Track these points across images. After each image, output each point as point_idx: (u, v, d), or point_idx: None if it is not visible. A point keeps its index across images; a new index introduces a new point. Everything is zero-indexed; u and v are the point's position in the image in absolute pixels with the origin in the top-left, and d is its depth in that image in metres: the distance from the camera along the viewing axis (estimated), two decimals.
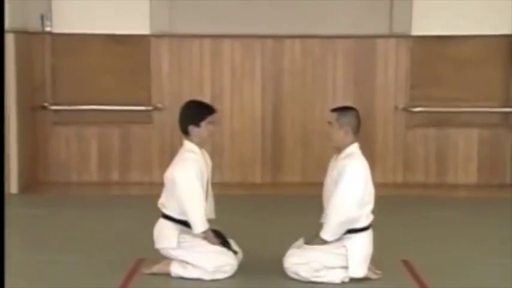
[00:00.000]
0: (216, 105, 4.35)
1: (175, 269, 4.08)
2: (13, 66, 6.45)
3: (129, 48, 7.11)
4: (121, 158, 7.17)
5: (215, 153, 7.15)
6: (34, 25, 6.96)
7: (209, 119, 4.14)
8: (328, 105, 7.15)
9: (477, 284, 4.03)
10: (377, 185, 7.02)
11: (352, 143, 4.13)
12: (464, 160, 7.16)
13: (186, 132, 4.14)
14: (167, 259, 4.14)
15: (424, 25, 7.03)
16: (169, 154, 7.16)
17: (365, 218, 4.05)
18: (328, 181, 4.17)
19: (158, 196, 6.64)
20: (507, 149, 7.13)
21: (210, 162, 4.32)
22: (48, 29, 7.03)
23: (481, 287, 3.99)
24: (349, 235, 4.01)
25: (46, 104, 7.07)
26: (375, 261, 4.44)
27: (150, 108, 7.12)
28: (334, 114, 4.14)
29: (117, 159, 7.17)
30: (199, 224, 4.02)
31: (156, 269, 4.15)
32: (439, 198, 6.60)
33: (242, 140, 7.16)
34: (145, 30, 7.08)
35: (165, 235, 4.10)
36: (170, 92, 7.13)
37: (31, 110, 6.95)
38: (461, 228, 5.41)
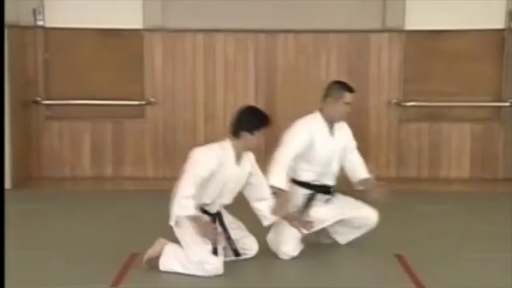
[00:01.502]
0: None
1: (163, 260, 4.06)
2: (6, 60, 6.41)
3: (122, 43, 7.09)
4: (114, 153, 7.15)
5: None
6: (26, 19, 6.92)
7: (263, 129, 4.13)
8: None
9: (469, 277, 4.05)
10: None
11: None
12: (457, 154, 7.18)
13: (235, 135, 4.10)
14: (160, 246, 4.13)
15: (417, 20, 7.04)
16: (162, 149, 7.18)
17: None
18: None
19: (152, 191, 6.68)
20: (499, 143, 7.16)
21: (249, 169, 4.27)
22: (40, 23, 7.00)
23: (474, 280, 4.01)
24: None
25: (39, 99, 7.04)
26: (368, 256, 4.47)
27: (143, 102, 7.11)
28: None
29: (110, 154, 7.16)
30: (178, 207, 3.96)
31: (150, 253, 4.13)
32: (431, 192, 6.63)
33: None
34: (138, 25, 7.06)
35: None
36: (163, 87, 7.12)
37: (24, 104, 6.92)
38: (454, 222, 5.43)
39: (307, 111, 7.17)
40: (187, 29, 7.06)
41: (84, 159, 7.15)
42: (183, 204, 3.94)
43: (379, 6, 7.08)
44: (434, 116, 7.23)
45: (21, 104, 6.85)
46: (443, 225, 5.30)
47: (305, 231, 4.23)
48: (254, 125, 4.09)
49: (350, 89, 4.55)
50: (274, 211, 4.18)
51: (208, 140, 7.17)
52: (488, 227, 5.23)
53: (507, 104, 7.09)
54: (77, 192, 6.60)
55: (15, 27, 6.74)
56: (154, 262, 4.10)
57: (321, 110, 4.60)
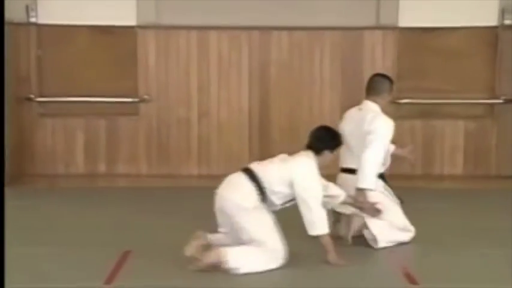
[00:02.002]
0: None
1: (232, 259, 4.00)
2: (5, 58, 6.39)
3: (115, 40, 7.08)
4: (108, 150, 7.14)
5: (202, 144, 7.18)
6: (19, 16, 6.90)
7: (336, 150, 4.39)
8: (315, 96, 7.22)
9: (462, 274, 4.07)
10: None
11: None
12: (450, 151, 7.20)
13: (318, 152, 4.27)
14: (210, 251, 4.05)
15: (410, 17, 7.05)
16: (156, 146, 7.18)
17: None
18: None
19: (145, 188, 6.67)
20: (492, 140, 7.18)
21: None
22: (33, 20, 6.97)
23: (467, 276, 4.02)
24: None
25: (32, 96, 7.02)
26: (362, 252, 4.47)
27: (136, 100, 7.10)
28: None
29: (103, 151, 7.15)
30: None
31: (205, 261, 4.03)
32: (425, 189, 6.64)
33: (229, 131, 7.16)
34: (131, 22, 7.05)
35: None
36: (157, 84, 7.11)
37: (17, 101, 6.90)
38: (447, 218, 5.45)
39: (301, 108, 7.23)
40: (181, 26, 7.04)
41: (78, 156, 7.13)
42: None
43: (373, 3, 7.08)
44: (427, 113, 7.25)
45: (14, 101, 6.83)
46: (436, 222, 5.31)
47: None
48: (336, 144, 4.37)
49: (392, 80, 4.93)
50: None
51: (202, 137, 7.22)
52: (481, 223, 5.25)
53: (500, 101, 7.11)
54: (70, 189, 6.58)
55: (8, 24, 6.67)
56: (213, 268, 4.03)
57: (375, 103, 4.79)
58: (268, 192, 4.12)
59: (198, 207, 5.69)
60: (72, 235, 4.88)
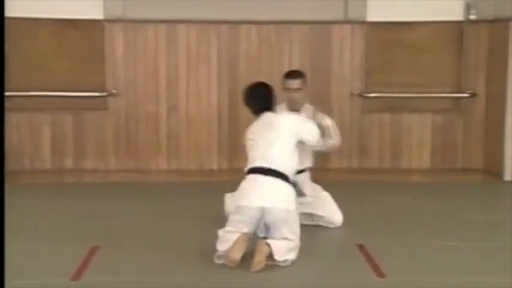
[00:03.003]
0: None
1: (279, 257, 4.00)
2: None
3: (82, 33, 6.98)
4: (75, 145, 7.05)
5: (171, 139, 7.14)
6: None
7: None
8: None
9: (430, 266, 4.12)
10: (333, 170, 7.15)
11: None
12: (417, 145, 7.28)
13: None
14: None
15: (378, 11, 7.09)
16: (124, 141, 7.11)
17: None
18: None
19: (114, 183, 6.61)
20: (458, 134, 7.28)
21: None
22: None
23: (434, 269, 4.07)
24: None
25: None
26: (330, 246, 4.50)
27: (104, 94, 7.02)
28: (299, 80, 4.82)
29: (71, 146, 7.05)
30: None
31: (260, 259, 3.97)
32: (393, 183, 6.70)
33: (198, 125, 7.12)
34: (98, 15, 6.95)
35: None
36: (125, 78, 7.04)
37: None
38: (414, 212, 5.51)
39: None
40: (149, 20, 6.98)
41: (44, 152, 7.03)
42: None
43: None
44: (395, 107, 7.30)
45: None
46: (404, 215, 5.37)
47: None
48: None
49: (290, 75, 4.92)
50: None
51: (171, 132, 7.17)
52: (447, 216, 5.32)
53: (466, 95, 7.21)
54: (36, 185, 6.48)
55: None
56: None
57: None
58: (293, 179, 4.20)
59: (167, 202, 5.68)
60: (39, 232, 4.82)
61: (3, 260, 3.02)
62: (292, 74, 4.92)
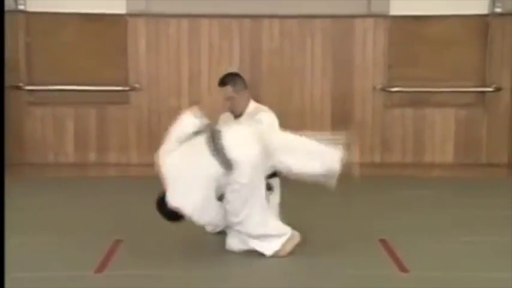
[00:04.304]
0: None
1: None
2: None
3: (105, 28, 7.02)
4: (98, 139, 7.10)
5: None
6: (7, 3, 6.80)
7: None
8: (306, 84, 7.20)
9: (453, 261, 4.08)
10: (354, 165, 7.09)
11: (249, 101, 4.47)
12: (441, 140, 7.21)
13: None
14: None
15: (402, 5, 7.02)
16: (146, 135, 7.14)
17: None
18: None
19: (135, 177, 6.64)
20: (482, 129, 7.19)
21: None
22: (21, 7, 6.90)
23: (458, 264, 4.04)
24: None
25: (21, 84, 6.96)
26: (353, 240, 4.48)
27: (127, 88, 7.05)
28: (229, 88, 4.40)
29: (94, 140, 7.10)
30: None
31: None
32: (416, 177, 6.65)
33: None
34: (121, 10, 6.98)
35: None
36: (147, 72, 7.07)
37: (5, 90, 6.82)
38: (438, 207, 5.47)
39: (292, 97, 7.22)
40: (172, 14, 6.99)
41: (68, 145, 7.09)
42: None
43: None
44: (418, 101, 7.24)
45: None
46: (427, 210, 5.33)
47: None
48: None
49: (218, 83, 4.49)
50: None
51: None
52: (471, 211, 5.26)
53: (491, 89, 7.12)
54: (60, 179, 6.54)
55: None
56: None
57: None
58: None
59: None
60: (62, 224, 4.86)
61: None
62: (220, 81, 4.46)
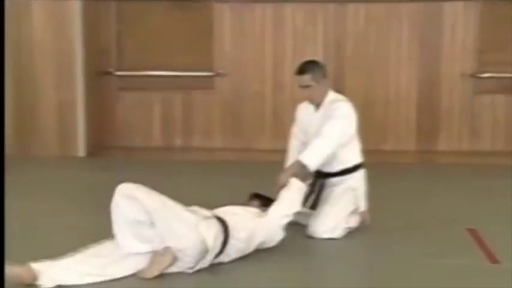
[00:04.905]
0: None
1: None
2: (80, 32, 6.58)
3: (191, 14, 7.14)
4: (183, 124, 7.25)
5: (276, 119, 7.17)
6: None
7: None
8: (392, 71, 7.07)
9: None
10: (441, 153, 6.95)
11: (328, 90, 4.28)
12: None
13: None
14: None
15: None
16: (231, 120, 7.23)
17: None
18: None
19: (220, 162, 6.74)
20: None
21: None
22: None
23: None
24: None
25: (111, 70, 7.20)
26: (440, 230, 4.37)
27: (212, 74, 7.16)
28: (308, 76, 4.17)
29: (179, 124, 7.26)
30: None
31: None
32: (506, 166, 6.41)
33: None
34: None
35: None
36: (232, 58, 7.14)
37: (97, 75, 7.09)
38: None
39: (376, 82, 7.11)
40: (256, 0, 7.02)
41: (155, 130, 7.28)
42: None
43: None
44: (510, 87, 6.96)
45: (95, 75, 7.01)
46: None
47: None
48: None
49: (296, 71, 4.23)
50: None
51: (277, 111, 7.21)
52: None
53: None
54: (147, 162, 6.71)
55: None
56: None
57: None
58: None
59: (272, 182, 5.72)
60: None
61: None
62: (298, 70, 4.21)
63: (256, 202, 4.07)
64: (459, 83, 6.96)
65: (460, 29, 6.89)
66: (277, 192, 3.97)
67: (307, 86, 4.18)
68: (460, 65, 6.93)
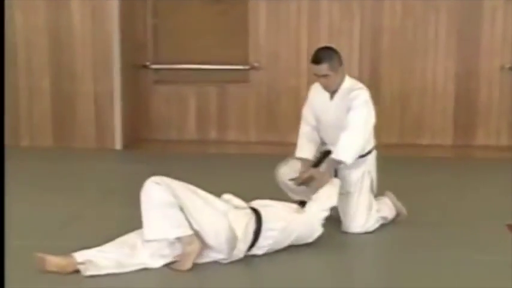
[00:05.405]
0: None
1: None
2: (117, 26, 6.65)
3: (227, 8, 7.15)
4: (218, 117, 7.28)
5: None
6: None
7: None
8: (429, 65, 6.98)
9: None
10: (478, 148, 6.85)
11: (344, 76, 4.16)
12: None
13: None
14: None
15: None
16: (265, 113, 7.23)
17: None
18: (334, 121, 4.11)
19: (254, 155, 6.75)
20: None
21: None
22: None
23: None
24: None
25: (147, 63, 7.26)
26: (478, 226, 4.31)
27: (247, 67, 7.16)
28: (325, 65, 4.04)
29: (214, 118, 7.29)
30: None
31: None
32: None
33: None
34: None
35: None
36: (267, 52, 7.13)
37: (134, 68, 7.16)
38: None
39: (413, 76, 7.02)
40: None
41: (190, 123, 7.32)
42: None
43: None
44: None
45: (131, 68, 7.08)
46: None
47: None
48: None
49: (313, 60, 4.11)
50: None
51: None
52: None
53: None
54: (182, 155, 6.75)
55: None
56: None
57: None
58: None
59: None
60: None
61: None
62: (314, 58, 4.10)
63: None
64: (498, 77, 6.84)
65: (500, 20, 6.76)
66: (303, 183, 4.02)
67: (324, 76, 4.09)
68: (500, 59, 6.80)
